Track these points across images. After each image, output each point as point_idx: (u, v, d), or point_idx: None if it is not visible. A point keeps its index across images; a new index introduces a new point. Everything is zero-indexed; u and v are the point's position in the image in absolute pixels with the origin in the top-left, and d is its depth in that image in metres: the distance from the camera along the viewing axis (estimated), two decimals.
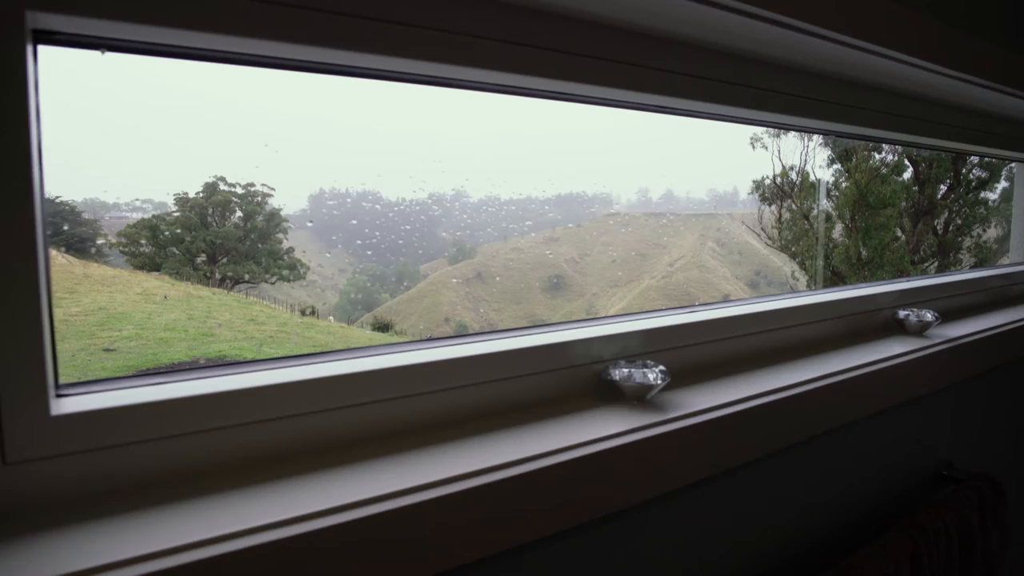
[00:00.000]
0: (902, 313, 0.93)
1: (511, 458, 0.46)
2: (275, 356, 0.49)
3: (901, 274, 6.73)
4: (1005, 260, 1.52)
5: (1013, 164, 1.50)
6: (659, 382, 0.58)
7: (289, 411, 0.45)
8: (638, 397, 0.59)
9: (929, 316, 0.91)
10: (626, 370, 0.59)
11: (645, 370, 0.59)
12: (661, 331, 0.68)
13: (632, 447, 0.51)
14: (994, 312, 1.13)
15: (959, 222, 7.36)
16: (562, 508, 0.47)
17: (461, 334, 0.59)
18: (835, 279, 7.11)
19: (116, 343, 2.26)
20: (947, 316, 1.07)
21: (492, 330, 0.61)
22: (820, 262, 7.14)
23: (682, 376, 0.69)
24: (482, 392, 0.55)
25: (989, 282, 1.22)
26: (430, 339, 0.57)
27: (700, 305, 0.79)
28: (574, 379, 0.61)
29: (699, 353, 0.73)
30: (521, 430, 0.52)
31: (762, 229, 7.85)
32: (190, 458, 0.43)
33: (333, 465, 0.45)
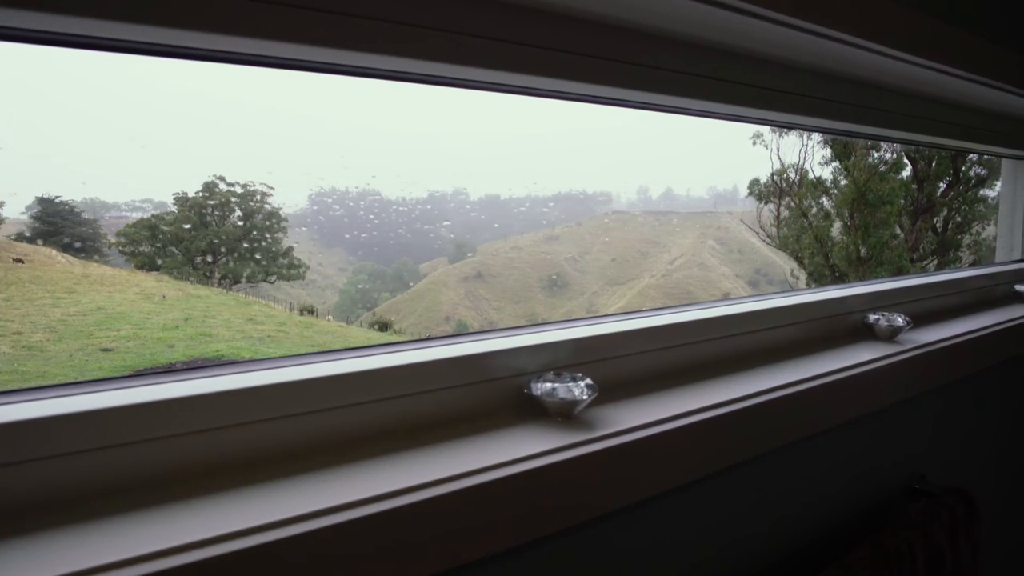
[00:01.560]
0: (872, 317, 0.87)
1: (412, 483, 0.42)
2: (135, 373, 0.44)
3: (900, 272, 6.75)
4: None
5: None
6: (585, 397, 0.53)
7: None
8: (563, 413, 0.54)
9: (900, 320, 0.85)
10: (549, 384, 0.54)
11: (570, 384, 0.54)
12: (595, 340, 0.62)
13: (550, 469, 0.46)
14: (976, 314, 1.07)
15: (959, 220, 7.38)
16: (468, 537, 0.43)
17: (364, 345, 0.54)
18: (835, 277, 7.13)
19: (114, 343, 2.26)
20: (927, 319, 1.02)
21: (400, 341, 0.54)
22: (806, 261, 7.15)
23: (622, 389, 0.63)
24: (386, 409, 0.50)
25: (972, 283, 1.17)
26: (334, 351, 0.53)
27: (645, 311, 0.73)
28: (495, 394, 0.56)
29: (641, 363, 0.66)
30: (428, 451, 0.48)
31: (760, 227, 7.86)
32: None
33: (206, 492, 0.41)
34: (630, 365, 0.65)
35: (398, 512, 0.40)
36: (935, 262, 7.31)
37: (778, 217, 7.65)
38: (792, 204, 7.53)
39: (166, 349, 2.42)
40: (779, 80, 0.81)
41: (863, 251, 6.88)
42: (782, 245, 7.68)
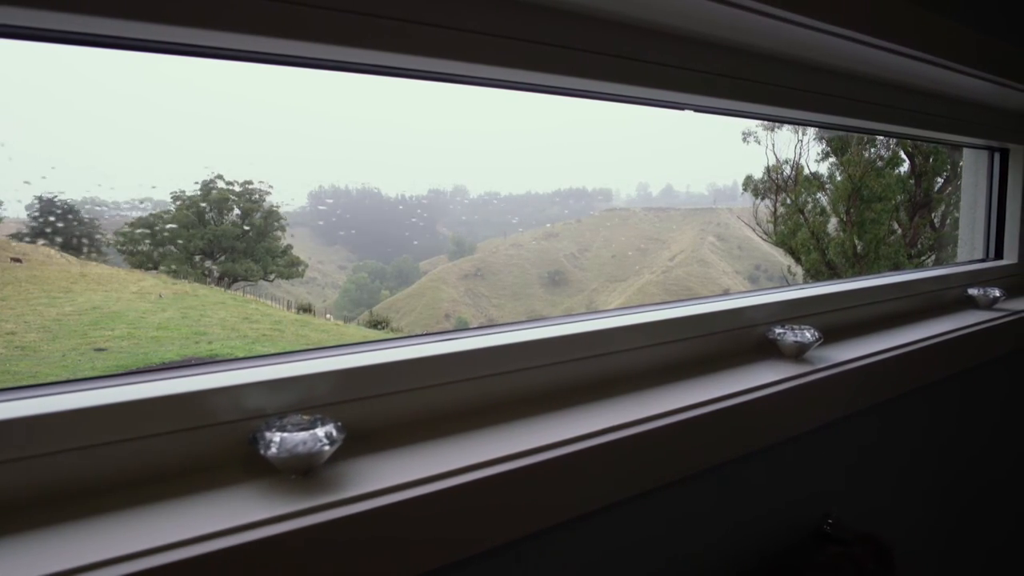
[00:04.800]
0: (777, 331, 0.76)
1: (81, 562, 0.33)
2: None
3: (896, 268, 6.74)
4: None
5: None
6: (325, 449, 0.41)
7: None
8: (296, 469, 0.42)
9: (808, 335, 0.75)
10: (277, 434, 0.42)
11: (303, 432, 0.42)
12: (369, 371, 0.49)
13: (250, 548, 0.35)
14: (916, 324, 0.94)
15: (956, 215, 7.35)
16: None
17: (51, 382, 0.43)
18: (831, 273, 7.11)
19: (108, 342, 2.28)
20: (857, 330, 0.89)
21: (101, 375, 0.44)
22: (803, 258, 7.14)
23: (411, 432, 0.50)
24: (46, 465, 0.39)
25: (917, 286, 1.04)
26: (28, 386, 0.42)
27: (465, 330, 0.59)
28: (218, 443, 0.44)
29: (448, 397, 0.52)
30: (101, 521, 0.37)
31: (757, 224, 7.84)
32: None
33: None
34: (426, 400, 0.52)
35: None
36: (933, 257, 7.30)
37: (775, 213, 7.65)
38: (788, 200, 7.52)
39: (160, 348, 2.45)
40: (769, 74, 0.80)
41: (859, 247, 6.88)
42: (778, 241, 7.68)
